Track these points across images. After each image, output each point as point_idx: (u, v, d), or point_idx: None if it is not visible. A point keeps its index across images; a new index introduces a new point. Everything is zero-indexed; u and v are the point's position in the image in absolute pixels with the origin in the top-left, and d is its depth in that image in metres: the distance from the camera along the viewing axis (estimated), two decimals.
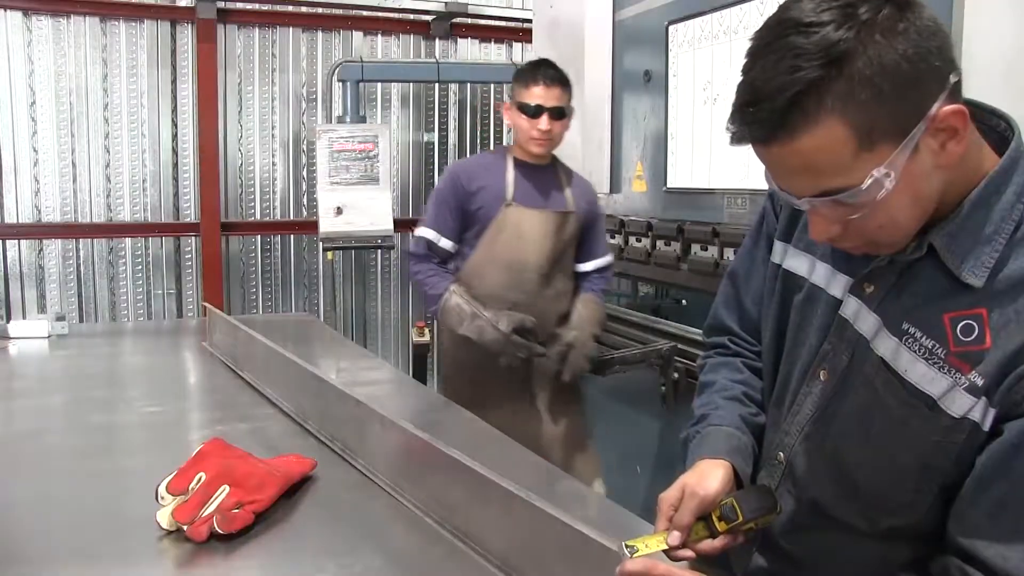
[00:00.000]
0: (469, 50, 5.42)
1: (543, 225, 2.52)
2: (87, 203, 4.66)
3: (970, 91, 1.82)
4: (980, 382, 0.87)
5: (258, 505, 1.37)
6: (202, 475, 1.38)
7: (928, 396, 0.90)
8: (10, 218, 4.52)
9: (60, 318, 3.10)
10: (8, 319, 4.39)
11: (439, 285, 2.55)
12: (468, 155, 5.44)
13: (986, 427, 0.88)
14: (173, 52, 4.75)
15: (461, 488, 1.34)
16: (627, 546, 0.97)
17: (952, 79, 0.82)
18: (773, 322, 1.14)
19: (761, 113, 0.81)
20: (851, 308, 0.99)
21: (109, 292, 4.78)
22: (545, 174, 2.57)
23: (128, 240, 4.78)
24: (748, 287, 1.23)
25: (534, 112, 2.42)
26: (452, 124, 5.42)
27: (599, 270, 2.69)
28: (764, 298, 1.17)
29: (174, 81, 4.77)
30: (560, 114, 2.44)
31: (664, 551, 1.01)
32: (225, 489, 1.36)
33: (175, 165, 4.83)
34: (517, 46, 5.47)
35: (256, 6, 4.93)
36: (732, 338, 1.28)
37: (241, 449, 1.51)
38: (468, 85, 5.41)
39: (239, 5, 4.88)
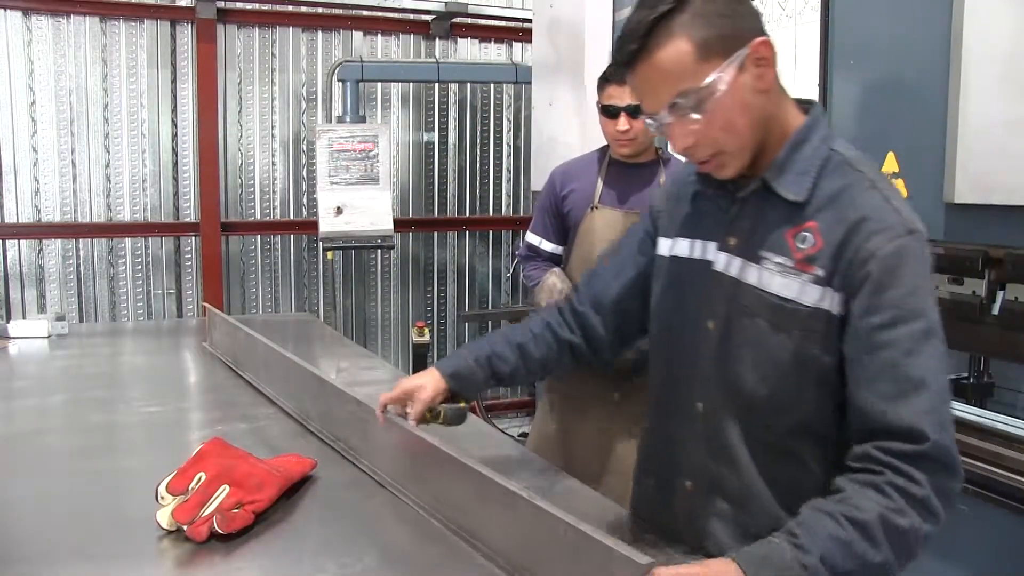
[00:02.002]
0: (469, 50, 5.42)
1: (622, 227, 2.34)
2: (87, 203, 4.66)
3: (969, 90, 1.83)
4: (821, 273, 1.14)
5: (258, 505, 1.37)
6: (202, 475, 1.38)
7: (788, 299, 1.16)
8: (10, 218, 4.52)
9: (60, 318, 3.11)
10: (8, 319, 4.39)
11: (537, 276, 2.54)
12: (468, 155, 5.46)
13: (835, 311, 1.14)
14: (173, 52, 4.75)
15: (461, 487, 1.34)
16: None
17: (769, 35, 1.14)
18: (671, 302, 1.35)
19: (629, 43, 1.12)
20: (722, 262, 1.25)
21: (109, 292, 4.78)
22: (642, 173, 2.43)
23: (128, 240, 4.78)
24: (615, 260, 1.49)
25: (611, 113, 2.34)
26: (452, 124, 5.43)
27: None
28: (653, 289, 1.39)
29: (174, 81, 4.77)
30: (639, 111, 2.33)
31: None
32: (225, 489, 1.36)
33: (175, 165, 4.83)
34: (517, 46, 5.47)
35: (256, 6, 4.93)
36: (570, 303, 1.53)
37: (241, 449, 1.52)
38: (468, 85, 5.41)
39: (239, 5, 4.88)
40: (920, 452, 1.04)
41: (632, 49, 1.12)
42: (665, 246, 1.37)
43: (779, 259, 1.17)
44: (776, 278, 1.17)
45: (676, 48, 1.10)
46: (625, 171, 2.44)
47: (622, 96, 2.31)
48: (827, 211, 1.15)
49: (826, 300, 1.13)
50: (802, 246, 1.15)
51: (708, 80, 1.10)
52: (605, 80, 2.37)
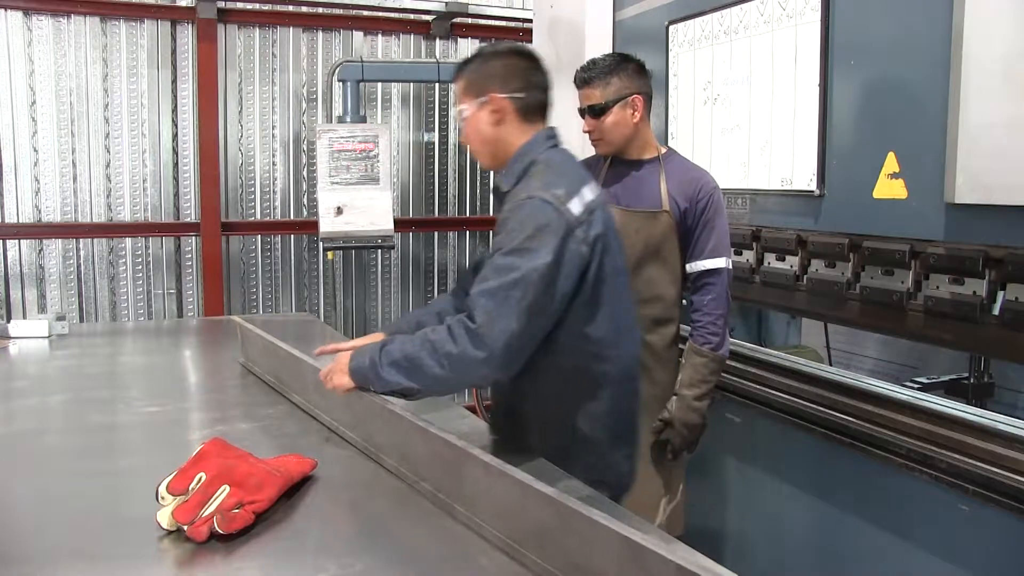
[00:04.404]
0: (469, 50, 5.40)
1: (623, 225, 2.28)
2: (87, 203, 4.66)
3: (970, 91, 1.83)
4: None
5: (258, 505, 1.37)
6: (202, 475, 1.38)
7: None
8: (10, 218, 4.52)
9: (60, 318, 3.10)
10: (8, 319, 4.39)
11: None
12: (468, 155, 5.46)
13: None
14: (173, 52, 4.75)
15: (466, 483, 1.34)
16: None
17: (519, 95, 1.73)
18: None
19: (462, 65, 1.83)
20: None
21: (109, 292, 4.79)
22: (642, 171, 2.45)
23: (128, 240, 4.78)
24: None
25: (581, 114, 2.44)
26: (452, 124, 5.42)
27: (703, 274, 2.37)
28: None
29: (174, 81, 4.77)
30: (597, 111, 2.38)
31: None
32: (225, 489, 1.36)
33: (175, 165, 4.84)
34: None
35: (256, 6, 4.93)
36: None
37: (241, 449, 1.52)
38: None
39: (239, 5, 4.88)
40: (464, 323, 1.55)
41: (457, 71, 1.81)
42: None
43: (498, 238, 1.65)
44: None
45: (460, 81, 1.78)
46: (626, 170, 2.46)
47: (581, 100, 2.43)
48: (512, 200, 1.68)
49: None
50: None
51: (461, 107, 1.77)
52: (576, 85, 2.44)
